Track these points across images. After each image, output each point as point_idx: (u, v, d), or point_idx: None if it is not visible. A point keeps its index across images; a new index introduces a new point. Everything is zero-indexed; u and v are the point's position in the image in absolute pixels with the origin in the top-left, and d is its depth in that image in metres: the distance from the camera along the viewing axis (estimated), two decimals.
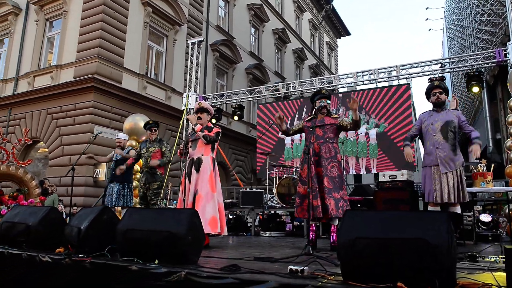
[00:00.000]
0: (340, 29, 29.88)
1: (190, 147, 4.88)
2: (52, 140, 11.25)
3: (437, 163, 4.19)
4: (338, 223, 4.29)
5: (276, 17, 21.18)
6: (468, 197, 4.31)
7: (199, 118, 4.82)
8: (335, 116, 4.46)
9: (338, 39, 31.12)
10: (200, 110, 4.91)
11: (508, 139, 5.99)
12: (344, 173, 4.39)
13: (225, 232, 4.76)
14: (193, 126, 4.80)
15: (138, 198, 6.23)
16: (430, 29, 54.29)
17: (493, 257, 3.11)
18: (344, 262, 2.42)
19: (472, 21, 19.54)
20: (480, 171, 5.15)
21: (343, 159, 5.75)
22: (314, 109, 4.46)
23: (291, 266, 2.67)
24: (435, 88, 4.41)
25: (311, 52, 25.34)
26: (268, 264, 3.14)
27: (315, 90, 9.19)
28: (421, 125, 4.46)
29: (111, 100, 11.21)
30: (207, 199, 4.56)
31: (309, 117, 4.58)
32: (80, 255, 3.11)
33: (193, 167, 4.75)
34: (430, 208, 4.23)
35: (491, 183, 5.08)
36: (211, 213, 4.52)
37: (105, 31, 11.19)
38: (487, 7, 15.93)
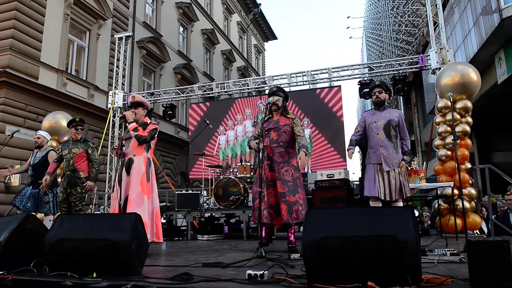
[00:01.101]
0: (267, 33, 30.35)
1: (124, 146, 4.47)
2: None
3: (380, 162, 4.27)
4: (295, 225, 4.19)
5: (205, 17, 20.88)
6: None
7: (134, 113, 4.43)
8: (291, 116, 4.33)
9: (265, 43, 31.59)
10: (135, 104, 4.49)
11: (436, 138, 6.37)
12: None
13: (161, 240, 4.41)
14: (127, 124, 4.39)
15: (59, 203, 5.60)
16: (351, 37, 57.35)
17: (440, 250, 3.18)
18: (309, 264, 2.29)
19: (390, 30, 20.91)
20: (414, 168, 5.40)
21: None
22: (267, 106, 4.30)
23: (249, 271, 2.48)
24: (376, 88, 4.50)
25: (239, 54, 25.39)
26: (220, 270, 2.93)
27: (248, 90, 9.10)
28: (365, 123, 4.51)
29: (25, 97, 10.12)
30: (136, 203, 4.15)
31: (266, 117, 4.39)
32: None
33: (124, 169, 4.35)
34: (371, 203, 4.29)
35: (424, 179, 5.34)
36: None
37: (19, 21, 10.10)
38: (405, 18, 17.11)
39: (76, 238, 2.73)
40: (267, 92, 10.14)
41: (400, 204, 4.20)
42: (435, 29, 8.34)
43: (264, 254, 3.31)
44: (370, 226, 2.24)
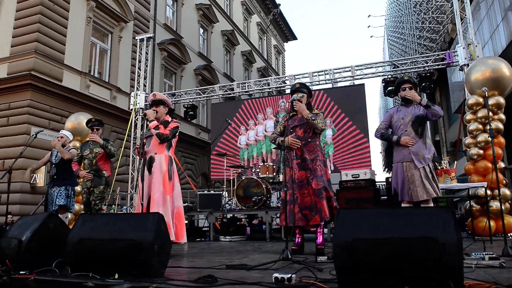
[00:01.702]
0: (287, 33, 30.18)
1: (145, 144, 4.42)
2: None
3: (410, 159, 4.08)
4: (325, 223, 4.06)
5: (225, 18, 20.89)
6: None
7: (155, 112, 4.37)
8: (316, 111, 4.19)
9: (285, 43, 31.43)
10: (156, 102, 4.43)
11: (467, 137, 6.12)
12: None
13: (184, 240, 4.33)
14: (148, 123, 4.34)
15: (83, 205, 5.60)
16: (372, 36, 56.52)
17: (477, 254, 3.00)
18: (340, 267, 2.15)
19: (413, 28, 20.45)
20: (444, 168, 5.17)
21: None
22: (291, 103, 4.17)
23: (276, 274, 2.36)
24: (405, 83, 4.30)
25: (259, 55, 25.31)
26: (245, 273, 2.82)
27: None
28: (391, 120, 4.34)
29: (50, 99, 10.29)
30: (159, 203, 4.11)
31: (289, 115, 4.26)
32: (21, 272, 2.60)
33: (145, 168, 4.30)
34: (403, 205, 4.12)
35: (455, 179, 5.10)
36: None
37: (43, 24, 10.27)
38: (429, 15, 16.68)
39: (98, 238, 2.67)
40: (287, 92, 10.05)
41: (431, 204, 4.00)
42: (461, 24, 8.06)
43: (290, 256, 3.19)
44: (406, 228, 2.09)
